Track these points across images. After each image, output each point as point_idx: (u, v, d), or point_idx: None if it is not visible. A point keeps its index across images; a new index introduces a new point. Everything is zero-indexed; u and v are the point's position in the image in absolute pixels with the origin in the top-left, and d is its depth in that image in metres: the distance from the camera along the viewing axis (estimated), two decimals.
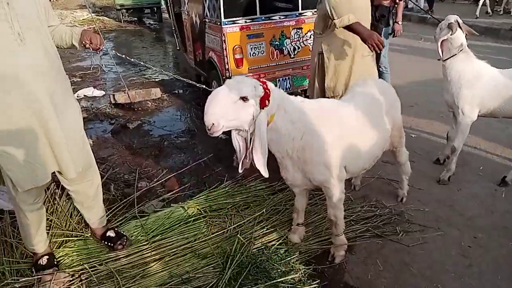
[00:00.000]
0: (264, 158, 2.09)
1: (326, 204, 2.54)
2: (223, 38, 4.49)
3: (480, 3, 10.42)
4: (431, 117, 4.85)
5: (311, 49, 3.87)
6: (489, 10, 10.81)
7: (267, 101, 2.02)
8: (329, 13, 2.97)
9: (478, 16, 10.18)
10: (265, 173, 2.12)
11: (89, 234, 2.88)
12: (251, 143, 2.09)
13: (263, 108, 2.02)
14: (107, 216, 3.08)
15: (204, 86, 2.75)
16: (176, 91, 6.40)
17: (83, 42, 2.41)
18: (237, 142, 2.18)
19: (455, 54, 3.22)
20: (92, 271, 2.51)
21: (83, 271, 2.52)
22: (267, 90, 2.04)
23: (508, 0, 11.26)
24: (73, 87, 2.99)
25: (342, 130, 2.33)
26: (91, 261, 2.60)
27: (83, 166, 2.53)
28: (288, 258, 2.58)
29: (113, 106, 5.68)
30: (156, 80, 7.10)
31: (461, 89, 3.25)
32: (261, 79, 2.10)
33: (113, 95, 5.75)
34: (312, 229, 2.90)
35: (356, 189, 3.42)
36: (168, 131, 4.84)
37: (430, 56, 5.94)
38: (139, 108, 5.64)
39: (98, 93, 6.29)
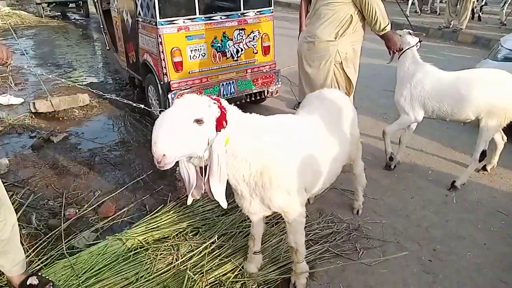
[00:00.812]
0: (223, 187, 1.80)
1: (286, 230, 2.29)
2: (159, 40, 4.08)
3: (410, 2, 10.87)
4: (376, 119, 4.83)
5: (303, 57, 3.50)
6: (417, 10, 11.32)
7: (224, 122, 1.73)
8: (374, 16, 3.07)
9: (408, 14, 10.60)
10: (224, 204, 1.85)
11: (5, 283, 2.38)
12: (208, 171, 1.77)
13: (219, 130, 1.73)
14: (28, 256, 2.60)
15: (151, 109, 2.35)
16: (108, 96, 5.79)
17: None
18: (186, 170, 1.84)
19: (404, 51, 3.33)
20: None
21: None
22: (223, 109, 1.74)
23: (434, 0, 11.88)
24: None
25: (303, 149, 2.09)
26: None
27: None
28: None
29: (33, 116, 4.99)
30: (84, 83, 6.42)
31: (405, 89, 3.34)
32: (214, 97, 1.79)
33: (33, 103, 5.06)
34: (269, 254, 2.65)
35: (310, 202, 3.22)
36: (100, 143, 4.32)
37: (371, 55, 5.96)
38: (64, 118, 5.01)
39: (15, 100, 5.52)
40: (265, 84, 4.88)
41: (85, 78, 6.76)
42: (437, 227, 2.95)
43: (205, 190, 1.84)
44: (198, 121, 1.63)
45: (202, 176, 1.82)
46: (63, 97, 5.30)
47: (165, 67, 4.18)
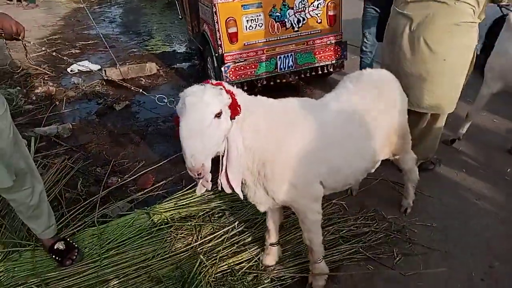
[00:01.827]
0: (240, 178, 1.67)
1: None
2: (214, 10, 3.94)
3: None
4: None
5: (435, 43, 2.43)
6: None
7: (238, 108, 1.57)
8: None
9: None
10: (242, 194, 1.74)
11: (40, 244, 2.55)
12: (224, 163, 1.63)
13: (234, 118, 1.57)
14: (65, 220, 2.76)
15: (141, 90, 2.24)
16: (175, 66, 5.91)
17: None
18: None
19: None
20: None
21: None
22: (232, 95, 1.57)
23: None
24: (70, 60, 2.58)
25: (315, 139, 1.82)
26: (29, 281, 2.27)
27: (17, 174, 2.16)
28: None
29: (104, 83, 5.27)
30: (157, 52, 6.62)
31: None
32: (214, 82, 1.61)
33: (105, 70, 5.33)
34: (291, 247, 2.46)
35: (352, 194, 2.92)
36: (156, 114, 4.41)
37: None
38: (132, 86, 5.21)
39: (93, 67, 5.88)
40: (328, 58, 4.49)
41: (160, 47, 6.95)
42: (501, 239, 2.45)
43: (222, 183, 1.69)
44: (218, 115, 1.47)
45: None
46: (132, 65, 5.50)
47: (219, 38, 4.04)
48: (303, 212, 1.94)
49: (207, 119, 1.43)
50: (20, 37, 1.97)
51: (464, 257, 2.35)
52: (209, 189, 1.71)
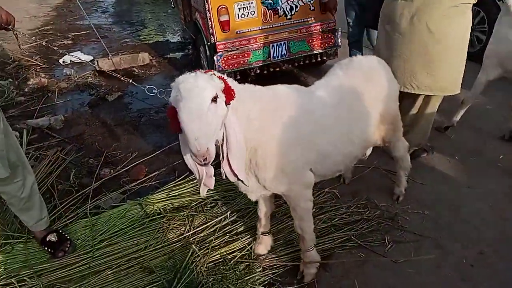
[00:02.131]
0: (243, 164, 1.65)
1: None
2: None
3: None
4: None
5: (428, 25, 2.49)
6: None
7: (232, 92, 1.54)
8: None
9: None
10: (247, 181, 1.72)
11: (32, 236, 2.55)
12: (225, 151, 1.60)
13: (229, 104, 1.54)
14: (57, 212, 2.76)
15: (131, 80, 2.21)
16: (168, 55, 5.86)
17: None
18: (192, 161, 1.60)
19: None
20: (20, 286, 2.19)
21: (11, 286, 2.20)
22: (224, 80, 1.54)
23: None
24: (62, 50, 2.56)
25: (303, 125, 1.82)
26: (22, 273, 2.27)
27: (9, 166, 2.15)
28: (247, 277, 2.17)
29: (97, 74, 5.23)
30: (150, 42, 6.56)
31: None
32: (203, 71, 1.56)
33: (97, 61, 5.28)
34: (283, 236, 2.47)
35: (345, 182, 2.92)
36: (149, 104, 4.39)
37: None
38: (124, 76, 5.17)
39: (85, 58, 5.83)
40: (322, 46, 4.46)
41: (153, 37, 6.88)
42: (490, 226, 2.47)
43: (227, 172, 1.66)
44: (214, 99, 1.43)
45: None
46: (124, 56, 5.46)
47: (211, 27, 3.99)
48: (295, 199, 1.95)
49: (205, 103, 1.40)
50: (10, 27, 1.94)
51: (455, 244, 2.36)
52: (212, 187, 1.68)
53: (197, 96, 1.40)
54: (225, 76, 1.62)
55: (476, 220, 2.51)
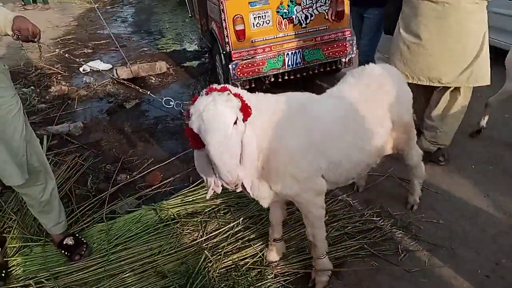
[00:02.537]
0: (252, 178, 1.68)
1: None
2: (221, 7, 3.95)
3: None
4: None
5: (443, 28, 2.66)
6: None
7: (249, 109, 1.56)
8: None
9: None
10: (252, 194, 1.76)
11: (50, 239, 2.62)
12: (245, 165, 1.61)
13: (246, 120, 1.57)
14: (75, 216, 2.83)
15: (148, 92, 2.29)
16: (185, 64, 5.96)
17: (14, 32, 2.00)
18: (202, 167, 1.68)
19: None
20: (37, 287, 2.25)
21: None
22: (240, 97, 1.56)
23: None
24: (82, 59, 2.67)
25: (314, 133, 1.84)
26: (40, 275, 2.33)
27: (30, 171, 2.23)
28: (259, 284, 2.18)
29: (115, 82, 5.35)
30: (167, 51, 6.68)
31: None
32: (219, 87, 1.60)
33: (116, 69, 5.41)
34: (296, 243, 2.48)
35: (359, 190, 2.91)
36: (165, 112, 4.45)
37: None
38: (142, 84, 5.28)
39: (104, 66, 5.98)
40: (337, 54, 4.47)
41: (170, 46, 7.01)
42: (508, 236, 2.42)
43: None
44: (235, 122, 1.47)
45: None
46: (142, 64, 5.57)
47: (227, 36, 4.05)
48: (307, 206, 1.96)
49: (229, 130, 1.43)
50: (36, 39, 2.02)
51: (470, 254, 2.33)
52: (219, 192, 1.73)
53: (221, 125, 1.42)
54: (239, 90, 1.65)
55: (493, 230, 2.47)
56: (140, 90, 2.23)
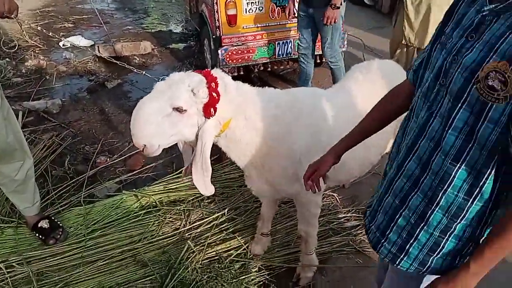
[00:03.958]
0: (204, 176, 1.59)
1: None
2: None
3: None
4: None
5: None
6: None
7: (212, 110, 1.49)
8: None
9: None
10: (205, 191, 1.63)
11: (24, 221, 2.48)
12: (192, 156, 1.58)
13: (209, 117, 1.50)
14: (50, 198, 2.69)
15: (144, 72, 2.20)
16: (170, 46, 5.78)
17: None
18: (182, 147, 1.75)
19: None
20: (8, 272, 2.13)
21: None
22: (213, 94, 1.49)
23: None
24: (62, 34, 2.50)
25: (323, 134, 1.78)
26: (11, 259, 2.20)
27: (5, 148, 2.09)
28: (242, 277, 2.13)
29: (97, 60, 5.13)
30: (152, 31, 6.46)
31: None
32: (212, 73, 1.54)
33: (98, 46, 5.19)
34: (281, 237, 2.43)
35: (345, 186, 2.88)
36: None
37: None
38: (125, 64, 5.08)
39: (85, 42, 5.72)
40: None
41: (155, 26, 6.78)
42: None
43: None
44: (178, 110, 1.44)
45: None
46: (126, 43, 5.37)
47: (218, 20, 3.93)
48: (306, 204, 1.91)
49: (160, 109, 1.42)
50: (13, 16, 1.87)
51: None
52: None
53: (154, 98, 1.43)
54: (228, 84, 1.57)
55: None
56: (135, 70, 2.12)
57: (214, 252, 2.28)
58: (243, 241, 2.36)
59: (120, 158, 3.18)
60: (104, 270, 2.18)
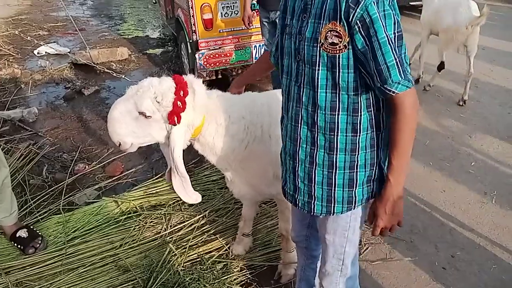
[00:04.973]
0: (183, 181, 1.63)
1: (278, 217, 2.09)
2: None
3: None
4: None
5: None
6: None
7: (176, 118, 1.53)
8: None
9: None
10: (187, 199, 1.67)
11: (1, 231, 2.45)
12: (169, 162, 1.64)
13: (174, 125, 1.55)
14: (28, 207, 2.67)
15: (123, 76, 2.22)
16: (147, 51, 5.77)
17: None
18: (162, 148, 1.84)
19: None
20: None
21: None
22: (178, 102, 1.53)
23: None
24: (37, 42, 2.48)
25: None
26: None
27: None
28: (225, 277, 2.16)
29: (73, 67, 5.08)
30: (129, 37, 6.44)
31: None
32: (183, 80, 1.59)
33: (74, 54, 5.14)
34: (261, 236, 2.47)
35: None
36: None
37: None
38: (101, 71, 5.06)
39: (61, 50, 5.66)
40: None
41: (132, 32, 6.76)
42: (464, 230, 2.54)
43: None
44: (143, 114, 1.51)
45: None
46: (102, 49, 5.33)
47: (194, 24, 3.95)
48: (286, 202, 1.94)
49: (127, 112, 1.52)
50: None
51: (428, 247, 2.43)
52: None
53: (123, 101, 1.54)
54: (199, 95, 1.61)
55: (450, 225, 2.59)
56: (115, 74, 2.13)
57: (196, 254, 2.30)
58: (224, 242, 2.39)
59: (99, 165, 3.17)
60: (85, 277, 2.16)
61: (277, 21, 3.45)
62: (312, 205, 1.33)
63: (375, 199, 1.30)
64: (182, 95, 1.53)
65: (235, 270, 2.22)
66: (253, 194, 1.95)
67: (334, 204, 1.30)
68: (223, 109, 1.68)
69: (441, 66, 4.12)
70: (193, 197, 1.68)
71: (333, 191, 1.28)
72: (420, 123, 3.74)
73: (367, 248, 2.40)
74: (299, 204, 1.37)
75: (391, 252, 2.39)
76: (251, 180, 1.85)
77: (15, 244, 2.34)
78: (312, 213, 1.36)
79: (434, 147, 3.40)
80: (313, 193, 1.31)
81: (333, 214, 1.32)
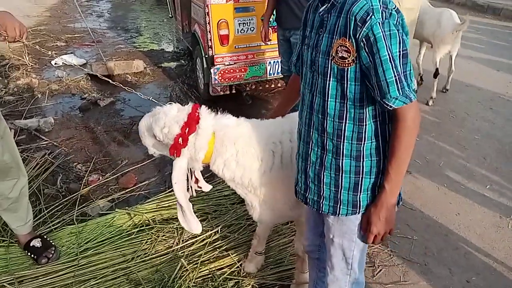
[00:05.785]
0: (185, 211, 1.73)
1: (295, 238, 2.08)
2: (207, 10, 3.91)
3: None
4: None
5: None
6: None
7: (175, 152, 1.61)
8: None
9: None
10: (185, 226, 1.78)
11: (16, 240, 2.47)
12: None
13: (172, 154, 1.64)
14: (42, 217, 2.68)
15: (140, 94, 2.28)
16: (162, 65, 5.84)
17: (0, 33, 1.86)
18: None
19: None
20: None
21: None
22: (179, 139, 1.59)
23: None
24: (55, 52, 2.53)
25: None
26: (2, 279, 2.18)
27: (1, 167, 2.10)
28: None
29: (89, 78, 5.16)
30: (144, 50, 6.54)
31: None
32: (197, 114, 1.65)
33: (90, 65, 5.23)
34: (273, 254, 2.44)
35: None
36: (141, 112, 4.33)
37: None
38: (117, 82, 5.11)
39: (78, 61, 5.76)
40: None
41: (147, 45, 6.86)
42: (479, 254, 2.50)
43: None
44: (157, 138, 1.67)
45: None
46: (119, 62, 5.42)
47: (210, 40, 4.01)
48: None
49: (145, 130, 1.71)
50: (24, 39, 1.90)
51: (442, 271, 2.38)
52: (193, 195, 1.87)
53: (145, 120, 1.72)
54: (206, 121, 1.65)
55: (465, 248, 2.55)
56: (126, 89, 2.16)
57: (208, 270, 2.28)
58: (236, 258, 2.37)
59: (113, 176, 3.19)
60: None
61: (291, 39, 3.54)
62: (321, 204, 1.42)
63: (369, 207, 1.36)
64: (186, 132, 1.59)
65: (247, 287, 2.20)
66: (274, 218, 1.95)
67: (340, 205, 1.38)
68: (231, 142, 1.67)
69: (436, 73, 4.46)
70: (192, 226, 1.75)
71: (339, 192, 1.37)
72: (433, 143, 3.73)
73: (380, 270, 2.37)
74: (310, 203, 1.46)
75: (405, 274, 2.35)
76: (275, 205, 1.83)
77: (29, 254, 2.35)
78: (320, 211, 1.44)
79: (448, 168, 3.37)
80: (321, 193, 1.41)
81: (338, 215, 1.39)
